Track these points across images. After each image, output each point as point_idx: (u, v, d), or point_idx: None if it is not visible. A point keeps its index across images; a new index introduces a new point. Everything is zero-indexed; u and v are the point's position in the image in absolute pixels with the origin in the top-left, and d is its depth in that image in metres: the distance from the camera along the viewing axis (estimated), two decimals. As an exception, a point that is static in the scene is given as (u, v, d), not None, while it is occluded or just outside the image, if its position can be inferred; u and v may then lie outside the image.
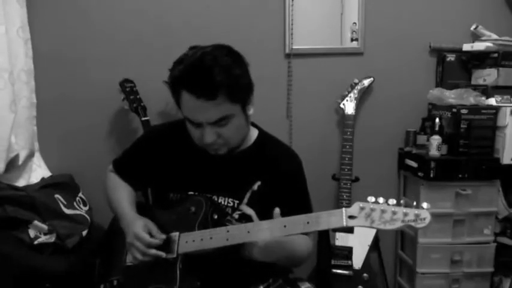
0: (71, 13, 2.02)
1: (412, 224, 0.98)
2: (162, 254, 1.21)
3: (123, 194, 1.40)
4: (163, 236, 1.23)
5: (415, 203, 1.00)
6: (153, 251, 1.20)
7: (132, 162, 1.44)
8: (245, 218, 1.27)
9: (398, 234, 2.29)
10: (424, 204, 0.99)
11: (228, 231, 1.16)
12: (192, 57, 1.17)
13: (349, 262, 1.92)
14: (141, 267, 1.22)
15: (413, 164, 2.07)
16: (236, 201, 1.30)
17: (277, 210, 1.14)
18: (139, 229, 1.22)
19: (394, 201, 1.01)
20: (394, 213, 1.00)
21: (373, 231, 1.96)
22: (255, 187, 1.29)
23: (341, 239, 1.95)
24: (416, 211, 0.99)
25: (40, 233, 1.64)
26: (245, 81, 1.21)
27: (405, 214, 0.99)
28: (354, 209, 1.03)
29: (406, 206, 1.01)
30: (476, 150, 1.99)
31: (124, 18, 2.04)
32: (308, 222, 1.07)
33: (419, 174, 2.01)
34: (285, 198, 1.27)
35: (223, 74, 1.13)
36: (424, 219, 0.98)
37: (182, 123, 1.38)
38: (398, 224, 0.99)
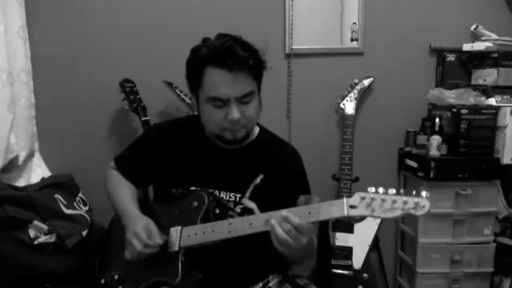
0: (70, 13, 2.02)
1: (412, 211, 0.99)
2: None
3: (126, 192, 1.40)
4: (165, 237, 1.23)
5: (414, 192, 1.01)
6: (148, 251, 1.20)
7: (134, 160, 1.44)
8: (247, 212, 1.28)
9: (398, 234, 2.30)
10: (423, 193, 1.00)
11: (230, 223, 1.18)
12: (213, 42, 1.23)
13: (349, 262, 1.92)
14: (143, 261, 1.23)
15: (413, 164, 2.07)
16: (238, 195, 1.31)
17: (301, 198, 1.15)
18: (140, 228, 1.23)
19: (394, 191, 1.02)
20: (394, 202, 1.01)
21: (373, 231, 1.95)
22: (258, 180, 1.31)
23: (341, 239, 1.95)
24: (415, 199, 0.99)
25: (40, 233, 1.64)
26: (261, 59, 1.27)
27: (405, 202, 1.00)
28: (355, 198, 1.04)
29: (406, 194, 1.01)
30: (476, 150, 1.99)
31: (124, 18, 2.04)
32: (310, 213, 1.09)
33: (419, 174, 2.01)
34: (286, 192, 1.28)
35: (245, 50, 1.21)
36: (424, 206, 0.99)
37: (183, 120, 1.39)
38: (398, 212, 1.00)
